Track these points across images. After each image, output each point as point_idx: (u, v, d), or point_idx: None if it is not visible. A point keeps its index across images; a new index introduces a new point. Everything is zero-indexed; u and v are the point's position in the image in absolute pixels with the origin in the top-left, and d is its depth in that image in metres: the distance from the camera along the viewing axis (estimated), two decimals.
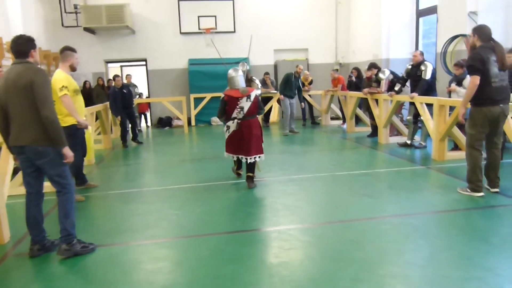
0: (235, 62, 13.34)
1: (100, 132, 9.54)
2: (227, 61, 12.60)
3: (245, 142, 5.24)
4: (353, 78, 10.70)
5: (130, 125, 9.93)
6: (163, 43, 13.29)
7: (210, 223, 4.24)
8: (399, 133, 8.80)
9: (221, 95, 5.50)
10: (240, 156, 5.37)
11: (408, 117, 7.96)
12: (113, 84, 9.61)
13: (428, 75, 7.31)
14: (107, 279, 3.12)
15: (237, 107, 5.19)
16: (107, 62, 13.62)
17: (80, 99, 5.23)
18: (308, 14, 13.69)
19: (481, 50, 4.45)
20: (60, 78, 4.94)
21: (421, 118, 7.35)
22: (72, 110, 4.90)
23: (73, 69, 5.18)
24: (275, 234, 3.85)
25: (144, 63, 13.83)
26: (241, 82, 5.35)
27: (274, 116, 13.02)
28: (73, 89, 5.05)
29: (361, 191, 5.08)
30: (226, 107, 5.32)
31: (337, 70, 11.97)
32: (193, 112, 12.86)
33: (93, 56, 13.05)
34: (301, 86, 10.68)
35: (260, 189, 5.39)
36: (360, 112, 10.22)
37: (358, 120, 10.70)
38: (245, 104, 5.19)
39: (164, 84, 13.48)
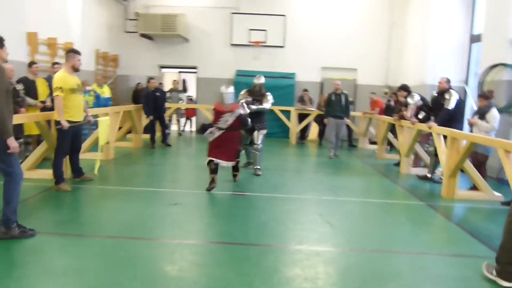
0: (281, 77, 13.48)
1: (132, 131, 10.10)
2: (272, 75, 12.68)
3: (223, 150, 5.99)
4: (392, 103, 10.19)
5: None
6: (213, 53, 13.74)
7: (163, 227, 4.32)
8: (426, 165, 8.17)
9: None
10: (217, 161, 5.91)
11: (430, 148, 7.36)
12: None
13: (451, 105, 6.73)
14: (22, 263, 3.33)
15: (222, 119, 6.02)
16: (161, 67, 14.39)
17: (76, 97, 5.60)
18: (360, 33, 13.30)
19: None
20: (57, 78, 5.41)
21: None
22: (59, 110, 5.34)
23: (75, 69, 5.62)
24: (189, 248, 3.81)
25: (195, 70, 14.41)
26: (228, 99, 6.13)
27: (313, 134, 12.76)
28: (69, 88, 5.45)
29: (327, 217, 4.81)
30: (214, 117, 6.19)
31: (385, 93, 11.46)
32: None
33: (148, 61, 13.90)
34: (346, 103, 9.51)
35: (227, 203, 5.36)
36: (392, 138, 9.67)
37: (393, 147, 10.13)
38: (229, 118, 6.01)
39: (211, 92, 13.82)
